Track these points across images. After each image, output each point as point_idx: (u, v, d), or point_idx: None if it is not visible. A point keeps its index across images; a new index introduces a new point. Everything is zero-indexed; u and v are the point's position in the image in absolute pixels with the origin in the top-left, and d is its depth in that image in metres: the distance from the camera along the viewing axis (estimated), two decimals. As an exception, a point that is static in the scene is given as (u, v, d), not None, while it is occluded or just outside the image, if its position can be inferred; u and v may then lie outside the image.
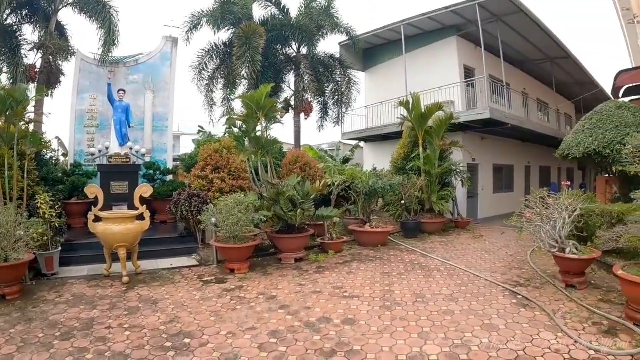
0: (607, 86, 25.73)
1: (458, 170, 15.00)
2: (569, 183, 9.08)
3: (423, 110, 14.18)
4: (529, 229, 8.15)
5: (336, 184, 11.67)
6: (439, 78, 17.03)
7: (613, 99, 14.51)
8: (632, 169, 6.87)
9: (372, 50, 21.31)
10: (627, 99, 12.24)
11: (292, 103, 18.23)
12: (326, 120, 19.72)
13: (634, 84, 13.83)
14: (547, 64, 22.20)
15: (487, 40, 16.21)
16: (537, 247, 10.27)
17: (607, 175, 11.93)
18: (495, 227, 16.01)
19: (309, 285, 7.74)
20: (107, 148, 12.19)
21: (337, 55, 19.50)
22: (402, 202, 13.19)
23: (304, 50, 18.20)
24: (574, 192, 8.36)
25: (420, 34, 18.81)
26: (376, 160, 19.40)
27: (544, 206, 8.22)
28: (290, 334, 5.43)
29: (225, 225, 8.71)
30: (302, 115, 18.36)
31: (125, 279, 7.81)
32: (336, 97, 19.28)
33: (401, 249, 11.14)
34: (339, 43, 20.32)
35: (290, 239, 9.69)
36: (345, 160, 21.49)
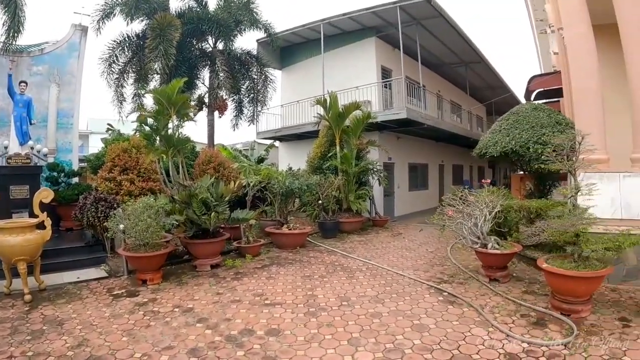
0: (517, 90, 27.59)
1: (375, 169, 14.93)
2: (488, 181, 9.19)
3: (340, 109, 13.93)
4: (451, 226, 8.07)
5: (251, 184, 10.98)
6: (356, 78, 16.96)
7: (525, 101, 15.13)
8: (553, 166, 6.92)
9: (290, 48, 20.88)
10: (538, 102, 12.72)
11: (207, 100, 17.38)
12: (241, 118, 18.92)
13: (545, 89, 14.53)
14: (462, 68, 23.07)
15: (405, 42, 16.37)
16: (457, 243, 10.45)
17: (521, 172, 12.34)
18: (413, 224, 16.21)
19: (228, 293, 7.02)
20: (5, 147, 10.47)
21: (254, 52, 18.85)
22: (320, 202, 12.81)
23: (220, 46, 17.36)
24: (494, 189, 8.42)
25: (339, 34, 18.65)
26: (291, 160, 18.99)
27: (464, 203, 8.20)
28: (211, 351, 4.79)
29: (133, 232, 7.74)
30: (217, 113, 17.59)
31: (28, 297, 6.65)
32: (252, 95, 18.57)
33: (321, 250, 10.72)
34: (257, 40, 19.65)
35: (205, 244, 8.87)
36: (260, 160, 20.86)
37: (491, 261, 7.67)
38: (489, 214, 7.85)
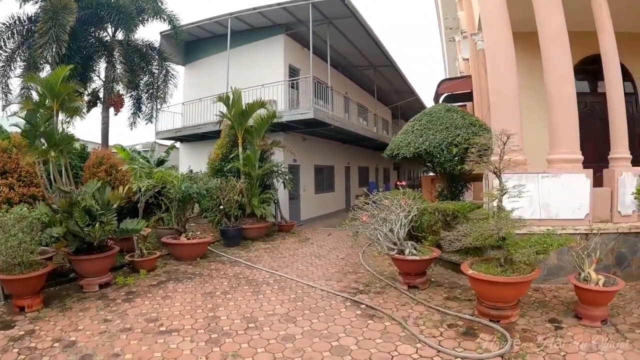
0: (422, 95, 28.37)
1: (280, 172, 14.20)
2: (404, 182, 8.81)
3: (244, 108, 13.02)
4: (365, 232, 7.56)
5: (142, 189, 9.67)
6: (263, 76, 16.13)
7: (433, 104, 15.35)
8: (477, 167, 6.74)
9: (195, 43, 19.59)
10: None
11: (102, 95, 15.94)
12: (139, 116, 17.72)
13: (452, 92, 14.76)
14: (370, 71, 23.21)
15: (314, 42, 15.90)
16: (370, 248, 9.97)
17: (431, 174, 12.26)
18: (320, 228, 15.70)
19: (117, 320, 5.83)
20: None
21: (156, 45, 17.55)
22: (221, 207, 11.81)
23: (120, 36, 16.05)
24: (409, 192, 8.03)
25: (247, 30, 17.72)
26: (192, 162, 17.65)
27: (379, 208, 7.72)
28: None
29: (4, 250, 6.26)
30: (113, 110, 16.35)
31: None
32: (151, 90, 17.30)
33: (223, 261, 9.72)
34: (160, 32, 18.20)
35: (91, 260, 7.41)
36: (160, 162, 19.37)
37: (410, 268, 7.29)
38: (405, 219, 7.43)
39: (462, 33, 15.10)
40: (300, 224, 16.60)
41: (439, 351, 4.68)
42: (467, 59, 17.89)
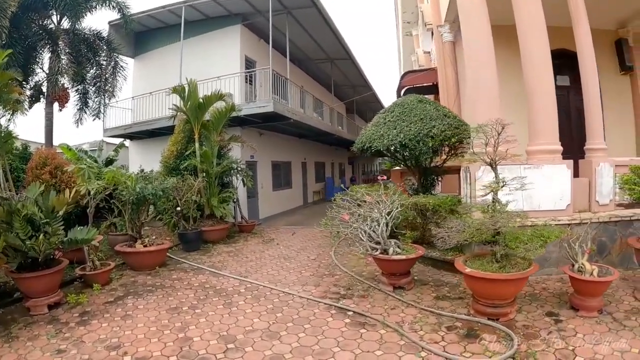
0: (377, 89, 28.20)
1: (239, 168, 13.41)
2: (384, 177, 8.33)
3: (201, 100, 12.13)
4: (346, 232, 7.00)
5: (92, 192, 8.62)
6: (218, 68, 15.18)
7: (396, 97, 15.03)
8: (470, 159, 6.46)
9: (146, 34, 18.30)
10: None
11: (45, 89, 14.59)
12: (85, 112, 16.51)
13: (415, 85, 14.47)
14: (327, 65, 22.67)
15: (272, 33, 15.04)
16: (344, 249, 9.44)
17: (397, 168, 11.87)
18: (282, 226, 15.09)
19: (73, 350, 4.89)
20: None
21: (105, 34, 16.28)
22: (178, 208, 10.93)
23: (66, 24, 14.80)
24: (391, 187, 7.56)
25: (202, 20, 16.69)
26: (144, 161, 16.40)
27: (359, 205, 7.21)
28: None
29: None
30: (57, 106, 15.02)
31: None
32: (99, 83, 16.13)
33: (185, 269, 8.87)
34: (109, 22, 16.85)
35: (37, 278, 6.32)
36: (109, 162, 18.17)
37: (395, 268, 6.85)
38: (388, 215, 6.94)
39: (425, 25, 14.83)
40: (260, 222, 15.89)
41: (447, 359, 4.29)
42: (429, 52, 17.79)
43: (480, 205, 6.28)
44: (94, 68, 16.11)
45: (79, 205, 8.62)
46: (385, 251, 6.81)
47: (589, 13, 8.70)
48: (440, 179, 10.67)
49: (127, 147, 19.25)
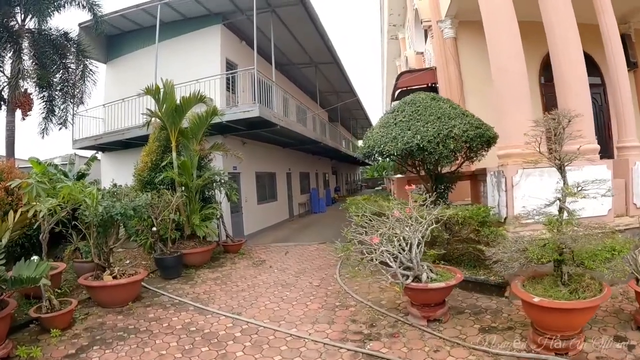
0: (362, 95, 27.05)
1: (222, 181, 11.78)
2: (413, 187, 6.93)
3: (178, 102, 10.55)
4: (371, 258, 5.53)
5: (42, 214, 6.75)
6: (197, 72, 13.46)
7: (390, 101, 13.76)
8: (531, 159, 5.20)
9: (119, 37, 16.72)
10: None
11: (6, 95, 13.14)
12: (51, 121, 14.83)
13: (408, 87, 13.21)
14: (310, 70, 21.31)
15: (252, 36, 13.59)
16: (348, 270, 7.94)
17: (400, 175, 10.56)
18: (271, 244, 13.53)
19: None
20: None
21: (73, 35, 14.73)
22: (154, 229, 9.30)
23: (31, 24, 13.50)
24: (417, 197, 6.16)
25: (180, 21, 15.19)
26: (117, 174, 14.64)
27: (384, 222, 5.80)
28: None
29: None
30: (20, 113, 13.82)
31: None
32: (65, 89, 14.54)
33: (164, 303, 7.26)
34: (79, 24, 15.29)
35: None
36: (80, 176, 16.48)
37: (431, 298, 5.49)
38: (421, 236, 5.53)
39: (421, 23, 13.56)
40: (246, 239, 14.31)
41: None
42: (422, 53, 16.63)
43: (544, 216, 4.92)
44: (61, 72, 14.43)
45: (34, 228, 6.95)
46: (417, 278, 5.39)
47: (588, 9, 8.13)
48: (452, 186, 9.31)
49: (99, 160, 17.52)
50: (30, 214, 6.46)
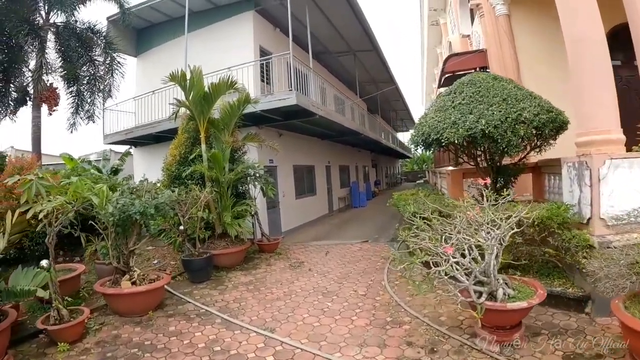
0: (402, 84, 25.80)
1: (257, 175, 10.78)
2: (488, 180, 5.80)
3: (207, 89, 9.64)
4: (438, 271, 4.40)
5: (42, 214, 5.76)
6: (230, 62, 12.53)
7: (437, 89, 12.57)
8: None
9: (149, 30, 16.18)
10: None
11: (32, 91, 12.71)
12: (80, 115, 14.16)
13: (455, 72, 11.97)
14: (349, 58, 20.06)
15: (286, 22, 12.48)
16: (396, 272, 6.86)
17: (453, 167, 9.39)
18: (310, 242, 12.52)
19: None
20: None
21: (99, 28, 14.02)
22: (181, 227, 8.44)
23: (57, 20, 12.90)
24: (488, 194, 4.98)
25: (210, 10, 14.38)
26: (149, 169, 13.96)
27: (454, 225, 4.69)
28: None
29: None
30: (46, 108, 13.08)
31: None
32: (92, 81, 13.90)
33: (189, 314, 6.37)
34: (107, 17, 14.78)
35: None
36: (115, 171, 16.02)
37: (509, 319, 4.36)
38: (498, 242, 4.39)
39: (468, 1, 12.24)
40: (283, 236, 13.42)
41: None
42: (468, 36, 15.29)
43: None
44: (87, 65, 13.80)
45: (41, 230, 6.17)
46: (491, 295, 4.26)
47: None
48: (514, 180, 8.04)
49: (132, 155, 17.00)
50: (29, 215, 5.63)
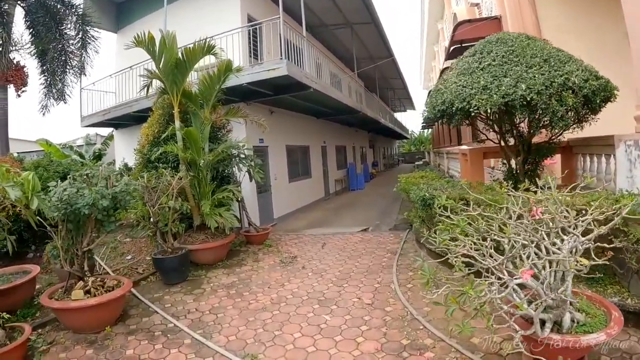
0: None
1: (243, 155, 9.41)
2: (555, 161, 4.54)
3: (179, 56, 8.19)
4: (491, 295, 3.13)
5: None
6: (215, 32, 10.97)
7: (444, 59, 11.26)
8: None
9: (128, 4, 14.78)
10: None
11: None
12: (52, 94, 12.89)
13: (463, 41, 10.68)
14: (346, 32, 18.48)
15: None
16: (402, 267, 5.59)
17: (465, 146, 8.12)
18: (304, 231, 11.27)
19: None
20: None
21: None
22: (151, 219, 7.12)
23: None
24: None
25: None
26: (128, 152, 12.68)
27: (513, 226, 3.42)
28: None
29: None
30: (13, 88, 11.94)
31: None
32: (63, 57, 12.53)
33: (153, 331, 5.10)
34: None
35: None
36: (97, 156, 14.64)
37: (577, 354, 3.07)
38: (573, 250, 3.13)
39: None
40: (275, 223, 12.19)
41: None
42: (477, 4, 14.02)
43: None
44: (59, 42, 12.35)
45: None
46: (556, 324, 3.00)
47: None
48: (543, 161, 6.76)
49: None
50: None
